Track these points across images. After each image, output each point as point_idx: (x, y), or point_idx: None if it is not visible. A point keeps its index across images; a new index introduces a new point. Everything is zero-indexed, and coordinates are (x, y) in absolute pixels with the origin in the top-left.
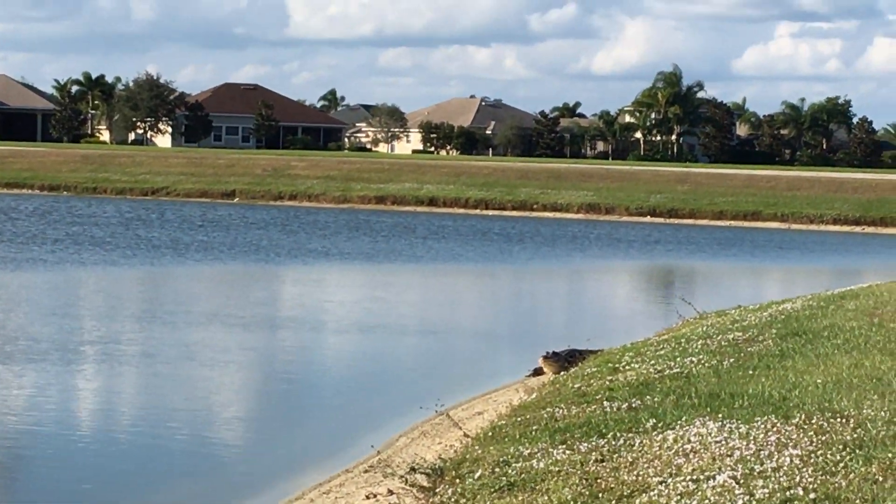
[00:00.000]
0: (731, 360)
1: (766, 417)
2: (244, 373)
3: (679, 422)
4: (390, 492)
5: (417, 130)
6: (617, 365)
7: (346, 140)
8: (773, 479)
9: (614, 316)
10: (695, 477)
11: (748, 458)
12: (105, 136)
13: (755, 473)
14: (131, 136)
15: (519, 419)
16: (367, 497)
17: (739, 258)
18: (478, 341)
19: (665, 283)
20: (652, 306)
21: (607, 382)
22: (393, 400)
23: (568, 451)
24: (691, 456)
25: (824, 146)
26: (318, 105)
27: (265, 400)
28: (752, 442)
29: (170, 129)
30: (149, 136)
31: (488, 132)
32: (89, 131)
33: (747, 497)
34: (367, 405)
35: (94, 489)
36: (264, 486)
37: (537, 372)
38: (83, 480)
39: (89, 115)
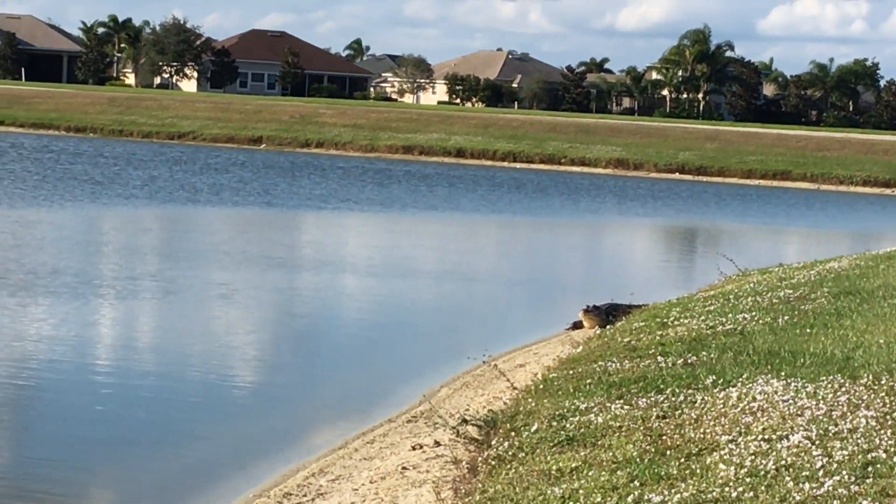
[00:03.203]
0: (786, 317)
1: (831, 377)
2: (280, 316)
3: (740, 379)
4: (437, 443)
5: (443, 82)
6: (665, 320)
7: (372, 90)
8: (850, 440)
9: (651, 271)
10: (766, 436)
11: (820, 418)
12: (130, 79)
13: (830, 434)
14: (157, 81)
15: (570, 372)
16: (414, 448)
17: (769, 217)
18: (514, 292)
19: (699, 239)
20: (689, 262)
21: (658, 337)
22: (432, 348)
23: (626, 407)
24: (759, 414)
25: (851, 108)
26: (344, 54)
27: (301, 345)
28: (822, 402)
29: (195, 75)
30: (174, 80)
31: (514, 85)
32: (115, 74)
33: (826, 458)
34: (405, 353)
35: (116, 438)
36: (305, 434)
37: (576, 325)
38: (105, 426)
39: (115, 58)
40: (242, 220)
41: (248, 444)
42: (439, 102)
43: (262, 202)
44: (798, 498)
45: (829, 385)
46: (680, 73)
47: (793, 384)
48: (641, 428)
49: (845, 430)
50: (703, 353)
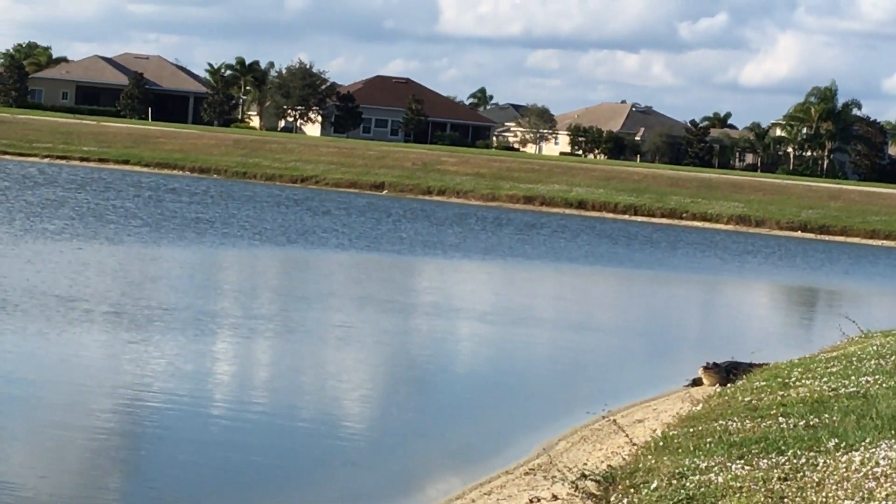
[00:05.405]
0: None
1: None
2: (397, 361)
3: (863, 443)
4: (555, 497)
5: (566, 133)
6: (786, 380)
7: (494, 139)
8: None
9: (772, 329)
10: (890, 503)
11: None
12: (255, 121)
13: None
14: (281, 124)
15: (690, 430)
16: (531, 501)
17: (893, 278)
18: (632, 346)
19: (820, 299)
20: (810, 322)
21: (779, 398)
22: (550, 400)
23: (747, 467)
24: (882, 480)
25: None
26: (468, 102)
27: (418, 391)
28: None
29: (319, 119)
30: (298, 124)
31: (637, 138)
32: (239, 116)
33: None
34: (523, 403)
35: (228, 481)
36: (421, 483)
37: (696, 382)
38: (218, 469)
39: (240, 100)
40: (353, 264)
41: (362, 491)
42: (561, 153)
43: (368, 247)
44: None
45: None
46: (804, 130)
47: None
48: (762, 489)
49: None
50: (826, 415)
